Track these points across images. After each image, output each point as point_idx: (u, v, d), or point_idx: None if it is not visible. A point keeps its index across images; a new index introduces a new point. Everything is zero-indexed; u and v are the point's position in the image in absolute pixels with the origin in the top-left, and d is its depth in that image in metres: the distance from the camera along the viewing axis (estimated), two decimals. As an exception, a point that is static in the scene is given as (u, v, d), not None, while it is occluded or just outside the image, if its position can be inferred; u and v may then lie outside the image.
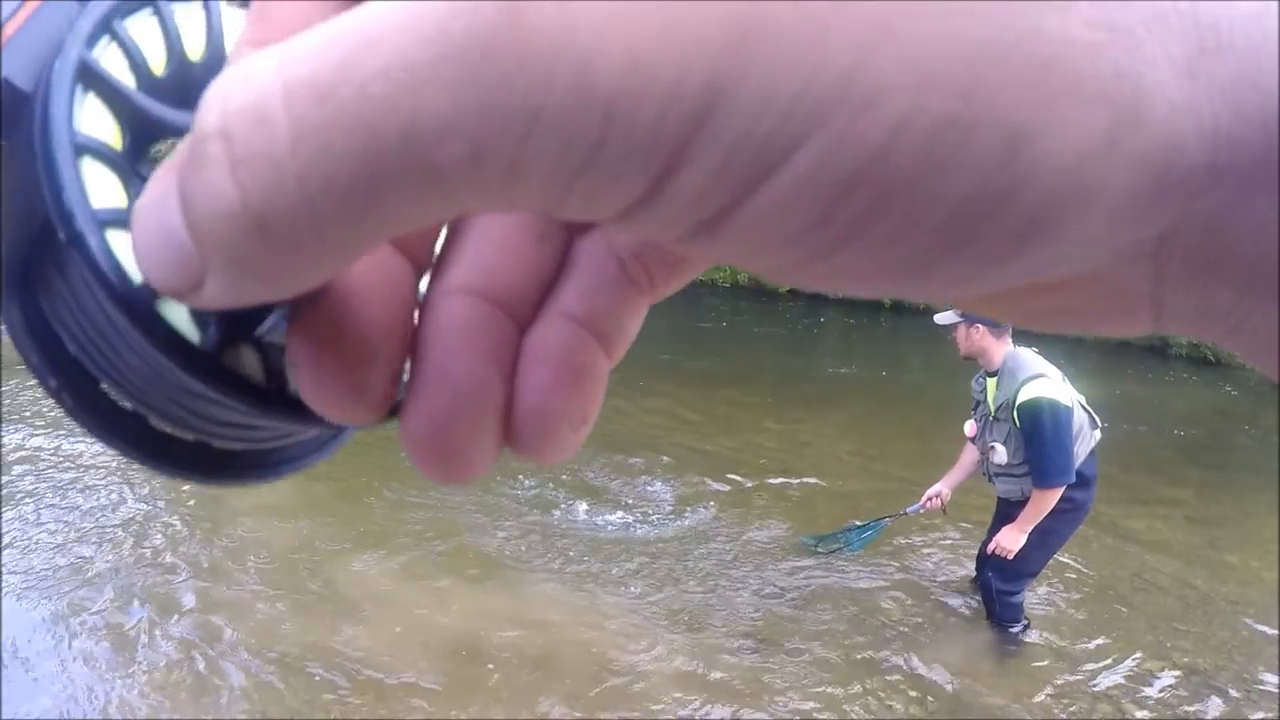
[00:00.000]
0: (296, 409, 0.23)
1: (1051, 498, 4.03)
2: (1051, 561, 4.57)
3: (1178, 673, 4.28)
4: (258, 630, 3.93)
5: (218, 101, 0.15)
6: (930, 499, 4.61)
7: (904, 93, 0.13)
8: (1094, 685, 4.16)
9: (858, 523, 5.03)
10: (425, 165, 0.14)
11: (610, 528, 5.20)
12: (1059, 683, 4.16)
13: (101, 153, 0.22)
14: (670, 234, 0.16)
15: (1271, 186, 0.15)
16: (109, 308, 0.21)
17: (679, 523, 5.39)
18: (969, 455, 4.51)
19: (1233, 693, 4.17)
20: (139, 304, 0.21)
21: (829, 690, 3.93)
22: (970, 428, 4.39)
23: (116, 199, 0.22)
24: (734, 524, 5.38)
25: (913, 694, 3.98)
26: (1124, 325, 0.19)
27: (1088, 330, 0.20)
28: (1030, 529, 4.13)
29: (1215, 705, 4.09)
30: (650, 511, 5.50)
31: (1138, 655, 4.38)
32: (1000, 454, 4.15)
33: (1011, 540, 4.16)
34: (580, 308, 0.21)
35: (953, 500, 4.68)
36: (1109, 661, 4.32)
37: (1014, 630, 4.45)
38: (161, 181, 0.17)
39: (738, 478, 6.08)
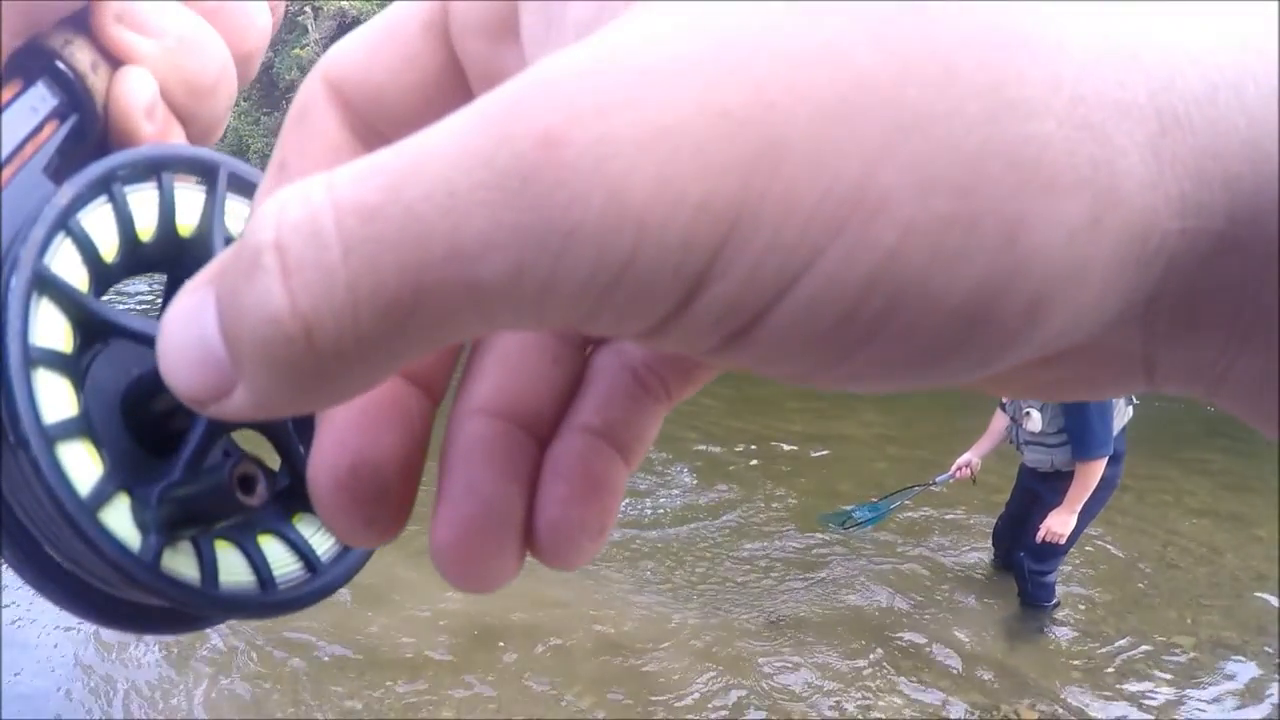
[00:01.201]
0: (228, 604, 0.26)
1: (1096, 470, 3.94)
2: (1080, 545, 4.56)
3: (1205, 647, 4.28)
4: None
5: (272, 217, 0.16)
6: (960, 468, 4.52)
7: (910, 197, 0.15)
8: (1120, 659, 4.16)
9: (875, 500, 4.98)
10: (467, 279, 0.15)
11: (628, 507, 5.23)
12: (1085, 657, 4.17)
13: (54, 361, 0.24)
14: (700, 348, 0.17)
15: (1239, 244, 0.17)
16: (55, 518, 0.23)
17: (697, 502, 5.40)
18: (999, 423, 4.43)
19: (1259, 667, 4.16)
20: (83, 515, 0.23)
21: (848, 668, 3.96)
22: None
23: (68, 408, 0.24)
24: (754, 503, 5.40)
25: (934, 671, 4.00)
26: (1120, 387, 0.21)
27: (1088, 396, 0.22)
28: (1079, 508, 4.03)
29: (1243, 678, 4.08)
30: (668, 491, 5.51)
31: (1165, 629, 4.38)
32: (1035, 421, 4.03)
33: (1062, 524, 4.05)
34: (597, 420, 0.22)
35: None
36: (1136, 636, 4.32)
37: (1045, 607, 4.44)
38: (194, 295, 0.18)
39: (759, 458, 6.09)
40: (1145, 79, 0.16)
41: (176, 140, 0.31)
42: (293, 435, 0.29)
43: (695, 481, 5.69)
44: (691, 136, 0.14)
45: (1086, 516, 4.18)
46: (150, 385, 0.28)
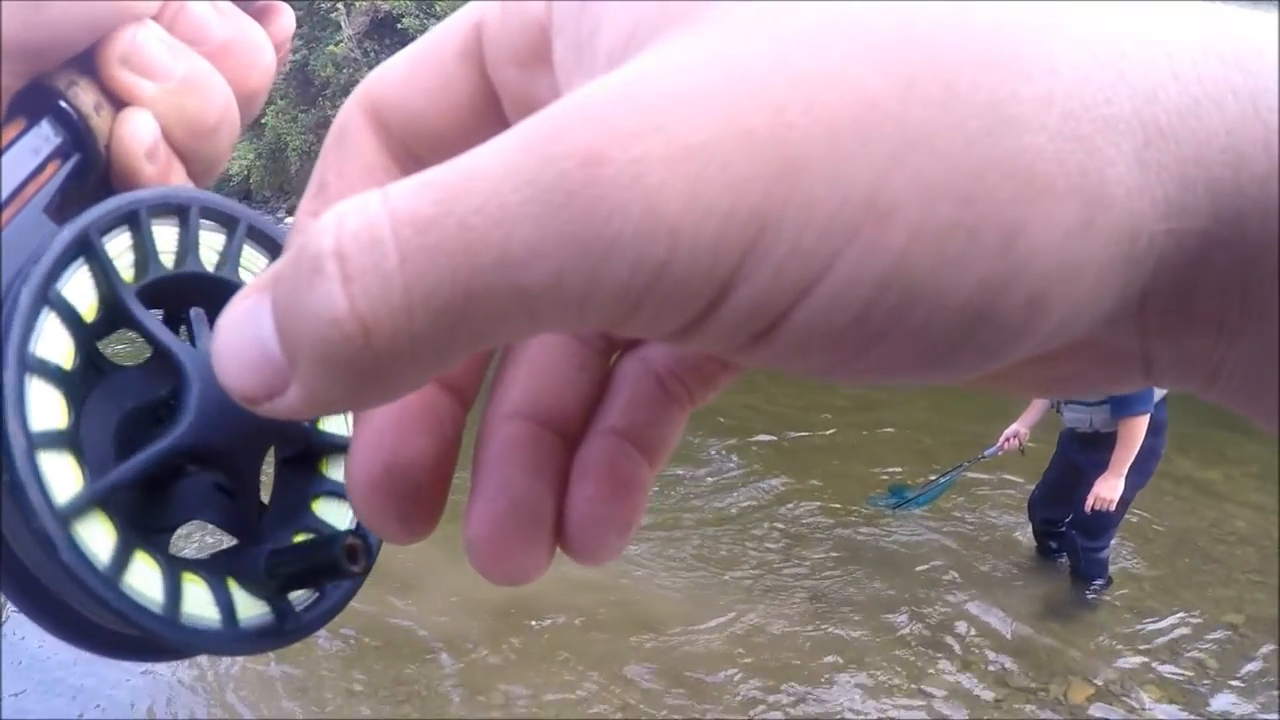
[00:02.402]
0: (190, 634, 0.26)
1: (1139, 427, 3.88)
2: (1128, 520, 4.52)
3: (1255, 624, 4.22)
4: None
5: (332, 228, 0.17)
6: (1008, 439, 4.47)
7: (917, 205, 0.16)
8: (1169, 637, 4.12)
9: (930, 477, 4.93)
10: (515, 284, 0.16)
11: (667, 488, 5.25)
12: (1134, 635, 4.13)
13: (52, 374, 0.25)
14: (728, 346, 0.18)
15: (1224, 244, 0.18)
16: (28, 524, 0.24)
17: (738, 481, 5.42)
18: None
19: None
20: (55, 526, 0.24)
21: (892, 647, 3.96)
22: None
23: (57, 419, 0.25)
24: (796, 482, 5.40)
25: (982, 649, 3.99)
26: (1120, 383, 0.23)
27: (1089, 392, 0.23)
28: (1125, 471, 3.98)
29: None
30: (709, 470, 5.52)
31: (1213, 607, 4.33)
32: None
33: (1110, 489, 4.01)
34: (623, 423, 0.24)
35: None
36: (1185, 613, 4.28)
37: (1098, 583, 4.42)
38: (248, 299, 0.19)
39: (802, 434, 6.09)
40: (1131, 94, 0.17)
41: (177, 179, 0.31)
42: (257, 501, 0.30)
43: (736, 461, 5.70)
44: (718, 154, 0.16)
45: (1131, 488, 4.13)
46: (146, 417, 0.29)
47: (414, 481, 0.23)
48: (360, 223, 0.17)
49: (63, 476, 0.25)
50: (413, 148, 0.24)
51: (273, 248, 0.31)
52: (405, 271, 0.16)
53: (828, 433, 6.23)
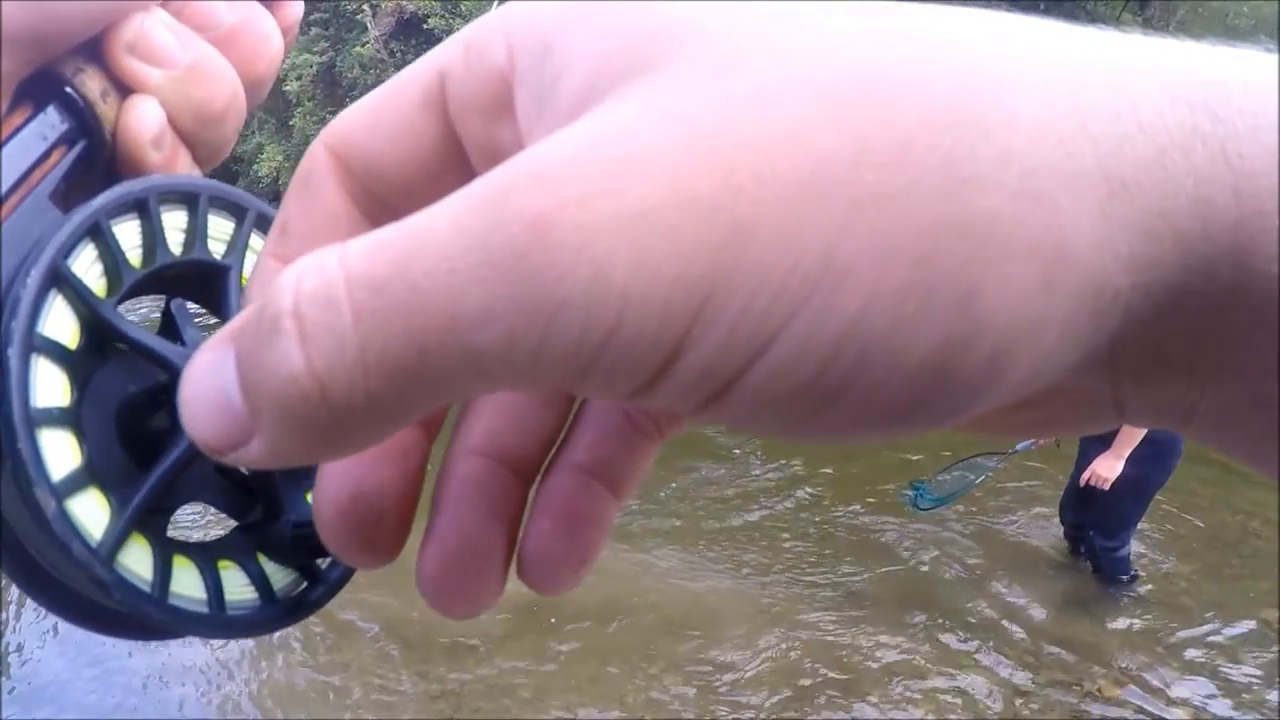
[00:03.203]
0: (174, 614, 0.26)
1: None
2: (1157, 510, 4.47)
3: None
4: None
5: (290, 287, 0.17)
6: None
7: (870, 268, 0.16)
8: (1201, 632, 4.07)
9: (956, 472, 4.75)
10: (466, 346, 0.16)
11: (694, 487, 5.24)
12: (1166, 631, 4.09)
13: (55, 352, 0.26)
14: (682, 407, 0.18)
15: (1193, 293, 0.18)
16: (24, 496, 0.24)
17: (763, 476, 5.40)
18: None
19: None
20: (49, 500, 0.24)
21: (923, 643, 3.94)
22: None
23: (58, 396, 0.25)
24: (822, 474, 5.37)
25: (1014, 646, 3.97)
26: (1094, 425, 0.23)
27: (1063, 434, 0.24)
28: (1126, 454, 3.97)
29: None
30: (740, 465, 5.50)
31: (1247, 603, 4.26)
32: None
33: (1108, 469, 4.02)
34: (587, 458, 0.24)
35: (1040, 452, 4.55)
36: (1217, 609, 4.22)
37: (1122, 580, 4.37)
38: (215, 350, 0.19)
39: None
40: (1093, 148, 0.17)
41: (183, 165, 0.31)
42: (275, 475, 0.30)
43: (761, 456, 5.68)
44: (665, 220, 0.16)
45: (1154, 484, 4.12)
46: (148, 401, 0.29)
47: (379, 510, 0.24)
48: (317, 283, 0.17)
49: (61, 453, 0.25)
50: (377, 193, 0.24)
51: None
52: (360, 332, 0.16)
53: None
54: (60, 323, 0.26)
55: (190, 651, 3.77)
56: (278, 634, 3.68)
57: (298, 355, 0.17)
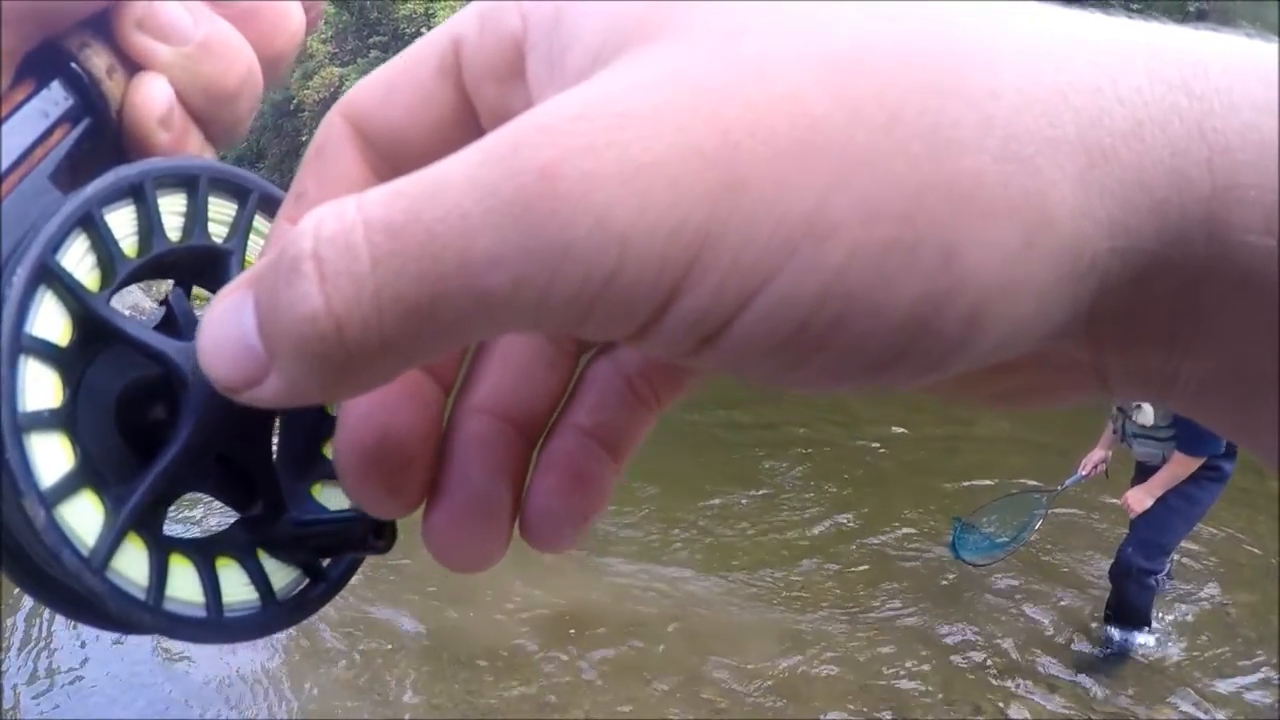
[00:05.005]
0: (168, 619, 0.26)
1: (1193, 466, 3.78)
2: (1217, 540, 4.32)
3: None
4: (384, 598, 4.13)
5: (310, 231, 0.18)
6: (1094, 466, 4.20)
7: (856, 224, 0.17)
8: (1259, 662, 3.97)
9: (999, 513, 4.48)
10: (476, 288, 0.17)
11: (740, 507, 5.21)
12: (1223, 660, 3.99)
13: (44, 352, 0.25)
14: (676, 351, 0.19)
15: (1170, 264, 0.19)
16: (13, 503, 0.23)
17: (812, 506, 5.33)
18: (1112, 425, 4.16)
19: None
20: (39, 510, 0.23)
21: (965, 672, 3.87)
22: None
23: (49, 398, 0.24)
24: (863, 503, 5.30)
25: (1061, 673, 3.89)
26: (1077, 395, 0.24)
27: (1047, 406, 0.25)
28: (1160, 494, 3.87)
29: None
30: (784, 494, 5.45)
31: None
32: (1147, 414, 3.81)
33: (1138, 501, 3.92)
34: (589, 421, 0.25)
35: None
36: (1276, 641, 4.12)
37: (1137, 630, 4.08)
38: (233, 295, 0.20)
39: (876, 448, 6.02)
40: (1074, 118, 0.18)
41: (193, 145, 0.30)
42: (273, 470, 0.29)
43: (801, 476, 5.64)
44: (665, 171, 0.17)
45: (1202, 510, 3.98)
46: (146, 390, 0.28)
47: (404, 454, 0.24)
48: (337, 228, 0.18)
49: (52, 457, 0.24)
50: (392, 159, 0.24)
51: None
52: (376, 274, 0.17)
53: (898, 441, 6.14)
54: (50, 320, 0.25)
55: (225, 669, 3.82)
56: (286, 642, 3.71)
57: (317, 295, 0.18)
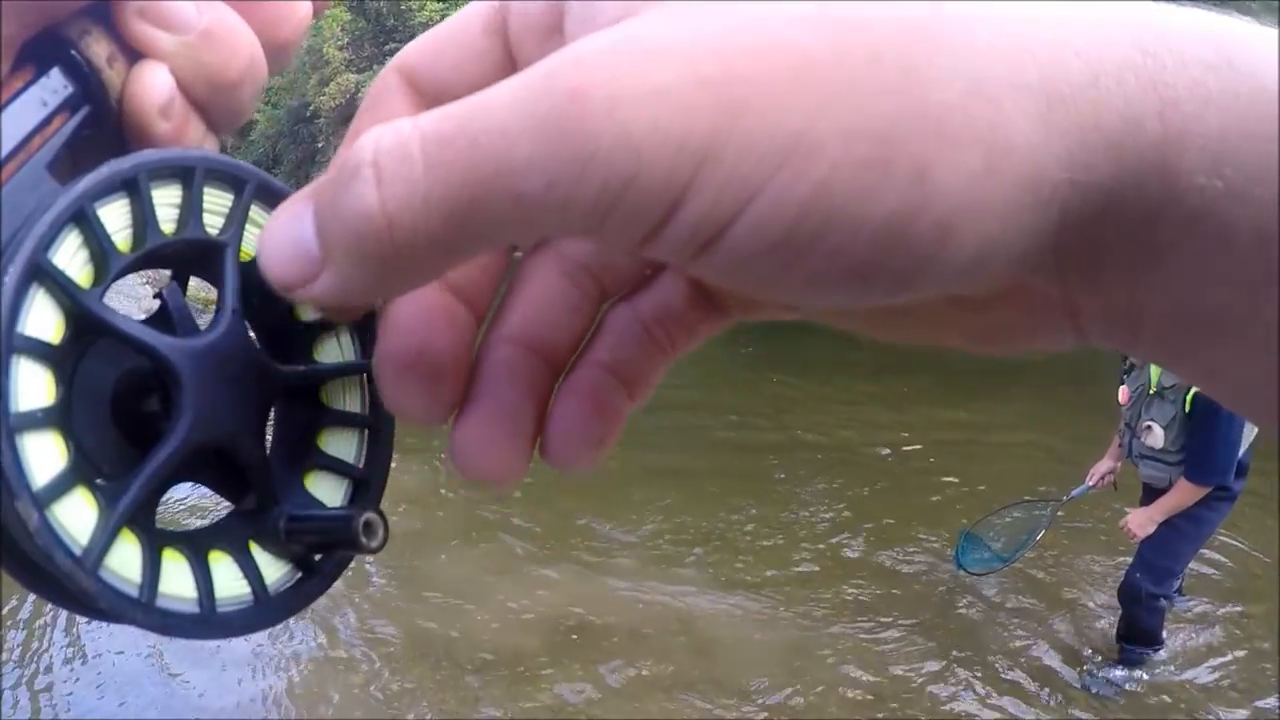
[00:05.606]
0: (161, 616, 0.26)
1: (1200, 494, 3.68)
2: (1230, 550, 4.27)
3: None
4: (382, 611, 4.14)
5: (370, 143, 0.21)
6: (1102, 478, 4.11)
7: (838, 143, 0.20)
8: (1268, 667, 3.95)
9: (1008, 518, 4.46)
10: (512, 191, 0.20)
11: (750, 516, 5.21)
12: (1240, 674, 3.97)
13: (37, 351, 0.25)
14: (680, 255, 0.21)
15: (1125, 202, 0.21)
16: (8, 504, 0.24)
17: (824, 515, 5.33)
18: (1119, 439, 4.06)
19: None
20: (31, 512, 0.24)
21: (999, 686, 3.86)
22: (1124, 395, 3.91)
23: (41, 397, 0.25)
24: (884, 520, 5.29)
25: (1061, 692, 3.88)
26: (1048, 336, 0.26)
27: (1023, 348, 0.27)
28: (1161, 520, 3.76)
29: None
30: (800, 509, 5.44)
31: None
32: (1157, 437, 3.74)
33: (1140, 526, 3.81)
34: (609, 358, 0.27)
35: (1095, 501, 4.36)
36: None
37: (1149, 651, 4.02)
38: (295, 204, 0.23)
39: (889, 456, 6.01)
40: (1036, 66, 0.21)
41: (194, 134, 0.30)
42: (266, 463, 0.30)
43: (817, 479, 5.64)
44: (676, 96, 0.20)
45: (1205, 531, 3.89)
46: (140, 382, 0.28)
47: (438, 366, 0.26)
48: (395, 140, 0.21)
49: (45, 456, 0.25)
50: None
51: None
52: (427, 178, 0.20)
53: (908, 453, 6.13)
54: (42, 319, 0.25)
55: (229, 677, 3.84)
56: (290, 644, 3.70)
57: (374, 195, 0.21)
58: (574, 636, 4.05)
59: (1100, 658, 4.06)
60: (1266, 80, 0.21)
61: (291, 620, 3.98)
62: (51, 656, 3.86)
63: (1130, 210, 0.21)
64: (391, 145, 0.21)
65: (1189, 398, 3.60)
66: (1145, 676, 3.97)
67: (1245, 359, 0.23)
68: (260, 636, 3.69)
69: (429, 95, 0.27)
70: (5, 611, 4.06)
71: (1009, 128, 0.20)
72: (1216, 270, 0.21)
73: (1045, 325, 0.25)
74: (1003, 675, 3.92)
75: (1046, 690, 3.85)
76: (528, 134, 0.20)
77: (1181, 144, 0.21)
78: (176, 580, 0.27)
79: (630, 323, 0.28)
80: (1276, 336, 0.22)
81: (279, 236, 0.23)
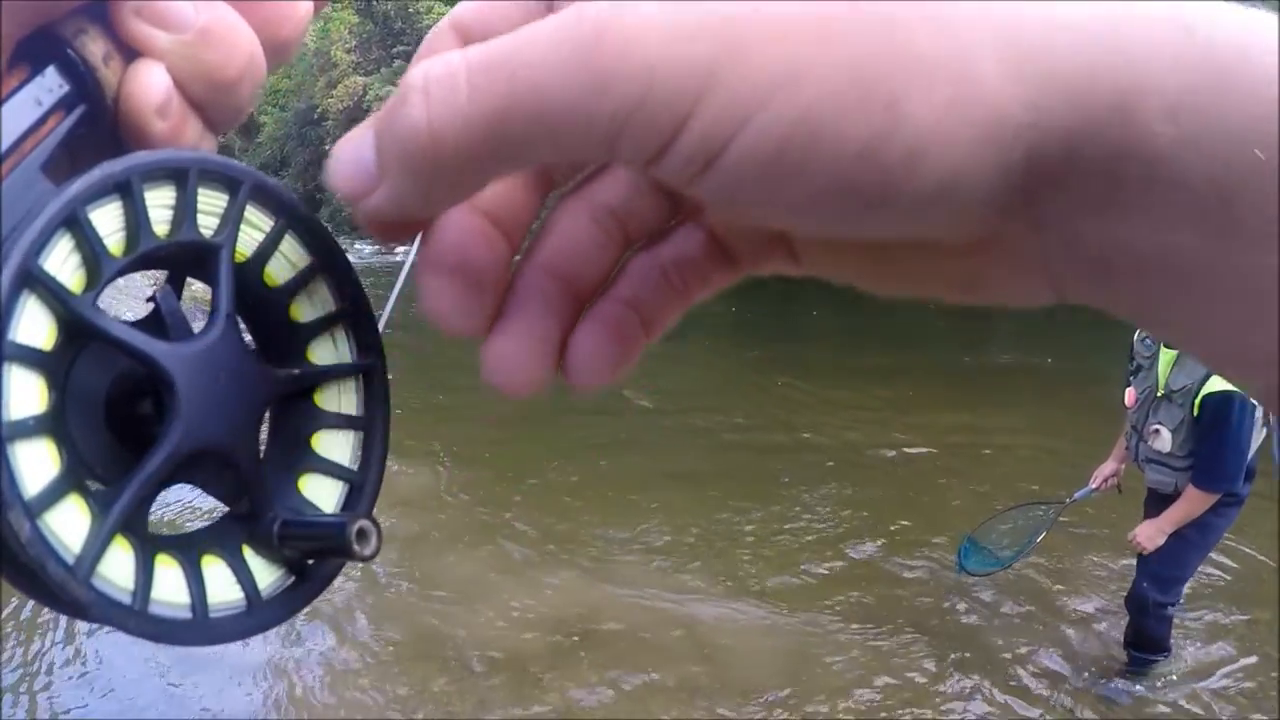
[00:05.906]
0: (154, 623, 0.26)
1: (1208, 502, 3.62)
2: (1238, 555, 4.26)
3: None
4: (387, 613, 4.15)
5: (421, 73, 0.24)
6: (1105, 480, 4.05)
7: (821, 75, 0.22)
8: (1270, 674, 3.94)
9: (1009, 524, 4.40)
10: (542, 112, 0.23)
11: (754, 519, 5.21)
12: (1249, 680, 3.95)
13: (28, 358, 0.25)
14: (684, 173, 0.24)
15: (1086, 140, 0.23)
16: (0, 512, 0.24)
17: (827, 520, 5.33)
18: (1124, 442, 3.99)
19: None
20: (23, 522, 0.24)
21: (1012, 694, 3.86)
22: (1130, 397, 3.83)
23: (33, 405, 0.25)
24: (889, 525, 5.28)
25: (1071, 701, 3.87)
26: (1026, 287, 0.28)
27: (1001, 295, 0.29)
28: (1171, 531, 3.70)
29: None
30: (804, 512, 5.43)
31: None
32: (1164, 440, 3.66)
33: (1149, 539, 3.73)
34: (630, 294, 0.30)
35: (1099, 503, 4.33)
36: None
37: (1158, 658, 3.98)
38: (360, 131, 0.26)
39: (895, 459, 6.00)
40: (1000, 25, 0.23)
41: (191, 134, 0.30)
42: (260, 468, 0.30)
43: (823, 483, 5.64)
44: (687, 31, 0.22)
45: (1212, 539, 3.83)
46: (133, 385, 0.28)
47: (476, 279, 0.29)
48: (444, 70, 0.24)
49: (37, 464, 0.25)
50: None
51: (278, 208, 0.30)
52: (470, 101, 0.23)
53: (919, 454, 6.13)
54: (34, 325, 0.25)
55: (230, 682, 3.85)
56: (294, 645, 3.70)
57: (421, 113, 0.24)
58: (578, 639, 4.05)
59: (1106, 662, 4.05)
60: (1220, 44, 0.23)
61: (298, 622, 4.12)
62: (53, 657, 3.87)
63: (1093, 155, 0.23)
64: (441, 74, 0.24)
65: (1197, 401, 3.55)
66: (1153, 684, 3.95)
67: (1218, 310, 0.24)
68: (262, 637, 3.71)
69: (477, 41, 0.29)
70: (5, 614, 4.07)
71: (973, 69, 0.23)
72: (1176, 216, 0.23)
73: (1021, 275, 0.27)
74: (1009, 679, 3.91)
75: (1053, 694, 3.84)
76: (557, 65, 0.23)
77: (1140, 95, 0.23)
78: (169, 586, 0.27)
79: (651, 267, 0.31)
80: (1249, 283, 0.23)
81: (345, 156, 0.26)
